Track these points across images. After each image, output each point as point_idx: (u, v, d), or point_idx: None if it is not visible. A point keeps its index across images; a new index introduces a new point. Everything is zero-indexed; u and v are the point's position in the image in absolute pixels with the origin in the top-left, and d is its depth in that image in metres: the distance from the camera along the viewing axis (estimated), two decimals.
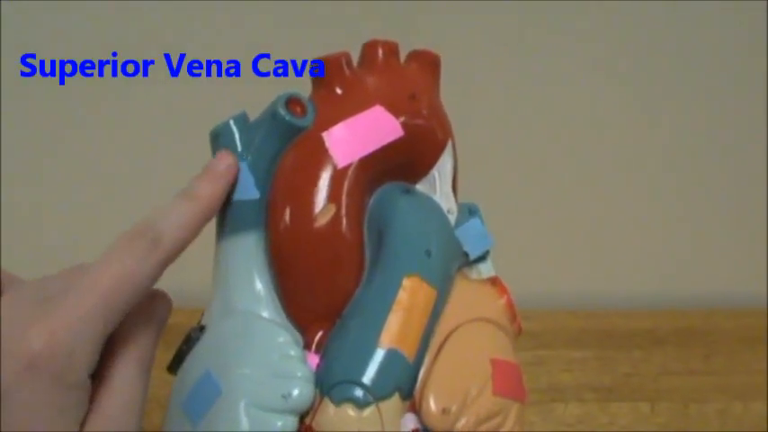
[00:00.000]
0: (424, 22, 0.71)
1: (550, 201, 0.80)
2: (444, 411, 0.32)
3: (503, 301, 0.37)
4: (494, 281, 0.38)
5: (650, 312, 0.81)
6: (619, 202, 0.80)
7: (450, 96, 0.41)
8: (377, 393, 0.32)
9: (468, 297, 0.36)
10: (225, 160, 0.35)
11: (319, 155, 0.35)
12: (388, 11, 0.70)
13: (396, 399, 0.33)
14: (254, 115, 0.37)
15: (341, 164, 0.35)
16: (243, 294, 0.35)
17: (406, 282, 0.34)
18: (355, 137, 0.35)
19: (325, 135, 0.35)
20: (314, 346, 0.34)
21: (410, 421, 0.33)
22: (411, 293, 0.33)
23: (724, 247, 0.82)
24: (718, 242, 0.82)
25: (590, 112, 0.76)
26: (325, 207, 0.34)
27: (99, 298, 0.30)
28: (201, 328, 0.36)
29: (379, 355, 0.33)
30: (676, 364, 0.76)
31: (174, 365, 0.36)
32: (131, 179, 0.77)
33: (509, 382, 0.35)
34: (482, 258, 0.38)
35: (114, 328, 0.31)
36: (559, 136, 0.77)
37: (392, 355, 0.33)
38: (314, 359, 0.34)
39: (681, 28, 0.74)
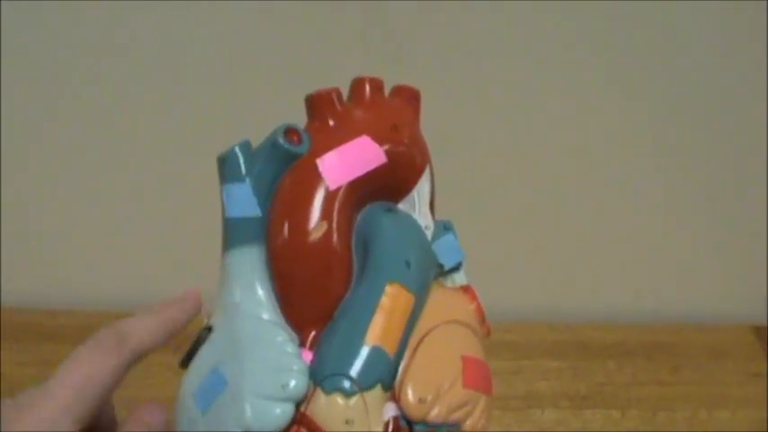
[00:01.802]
0: (417, 21, 0.74)
1: (531, 222, 0.84)
2: (420, 401, 0.37)
3: (473, 306, 0.42)
4: (465, 289, 0.43)
5: (623, 326, 0.85)
6: (595, 225, 0.85)
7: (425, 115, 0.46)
8: (362, 384, 0.37)
9: (443, 302, 0.41)
10: (194, 296, 0.41)
11: (313, 178, 0.40)
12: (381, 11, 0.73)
13: (378, 389, 0.38)
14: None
15: (332, 186, 0.40)
16: (246, 299, 0.40)
17: (388, 288, 0.39)
18: (345, 163, 0.40)
19: (318, 161, 0.40)
20: (308, 344, 0.39)
21: (390, 409, 0.38)
22: (392, 298, 0.39)
23: (694, 267, 0.87)
24: (688, 262, 0.87)
25: (564, 135, 0.81)
26: (318, 224, 0.40)
27: (70, 393, 0.34)
28: (209, 329, 0.41)
29: (364, 351, 0.38)
30: (646, 375, 0.80)
31: (186, 361, 0.41)
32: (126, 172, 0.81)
33: (478, 377, 0.40)
34: (456, 269, 0.43)
35: (86, 423, 0.34)
36: (534, 155, 0.81)
37: (376, 352, 0.38)
38: (308, 355, 0.39)
39: (682, 37, 0.76)
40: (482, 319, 0.42)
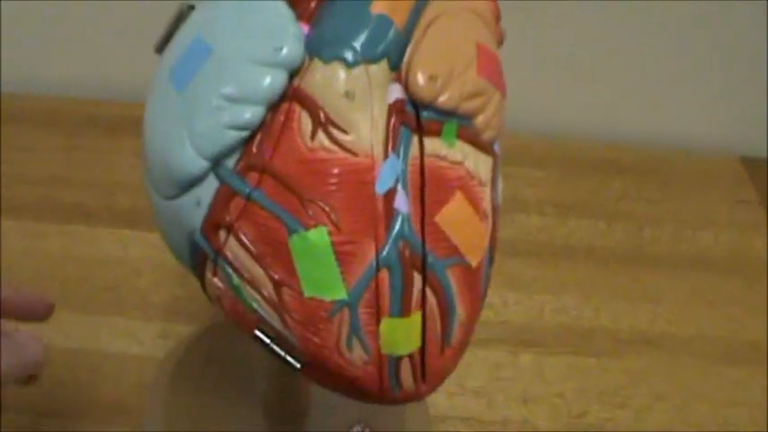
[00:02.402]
0: None
1: (529, 33, 0.79)
2: (431, 79, 0.33)
3: (490, 2, 0.37)
4: None
5: (613, 144, 0.82)
6: (595, 43, 0.80)
7: None
8: (366, 55, 0.32)
9: None
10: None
11: None
12: None
13: (384, 65, 0.33)
14: None
15: None
16: None
17: None
18: None
19: None
20: (306, 17, 0.34)
21: (396, 91, 0.33)
22: None
23: (690, 94, 0.83)
24: (684, 88, 0.83)
25: None
26: None
27: None
28: (191, 6, 0.35)
29: (369, 19, 0.33)
30: (634, 192, 0.78)
31: (162, 44, 0.35)
32: None
33: (492, 69, 0.35)
34: None
35: None
36: None
37: (382, 21, 0.33)
38: (306, 28, 0.33)
39: None
40: (497, 17, 0.37)
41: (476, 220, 0.34)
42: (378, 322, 0.32)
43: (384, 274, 0.32)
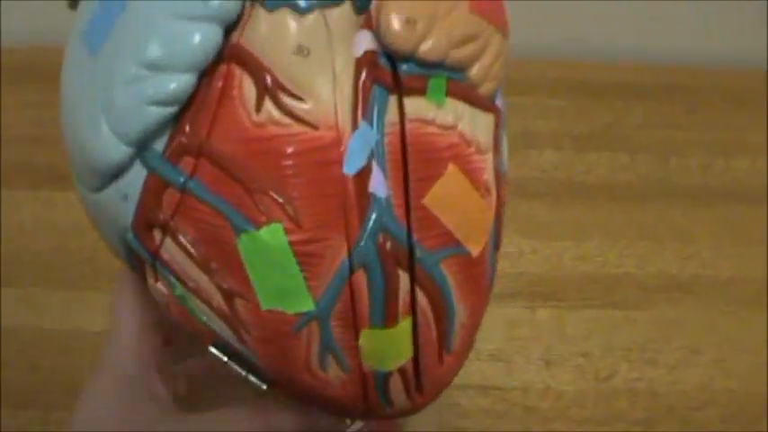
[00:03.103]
0: None
1: None
2: (408, 22, 0.25)
3: None
4: None
5: (632, 66, 0.74)
6: None
7: None
8: None
9: None
10: None
11: None
12: None
13: (347, 7, 0.26)
14: None
15: None
16: None
17: None
18: None
19: None
20: None
21: (365, 40, 0.26)
22: None
23: (712, 6, 0.74)
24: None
25: None
26: None
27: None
28: None
29: None
30: (658, 118, 0.70)
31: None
32: None
33: (489, 5, 0.27)
34: None
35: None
36: None
37: None
38: None
39: None
40: None
41: (475, 197, 0.27)
42: (356, 336, 0.25)
43: (360, 277, 0.25)
